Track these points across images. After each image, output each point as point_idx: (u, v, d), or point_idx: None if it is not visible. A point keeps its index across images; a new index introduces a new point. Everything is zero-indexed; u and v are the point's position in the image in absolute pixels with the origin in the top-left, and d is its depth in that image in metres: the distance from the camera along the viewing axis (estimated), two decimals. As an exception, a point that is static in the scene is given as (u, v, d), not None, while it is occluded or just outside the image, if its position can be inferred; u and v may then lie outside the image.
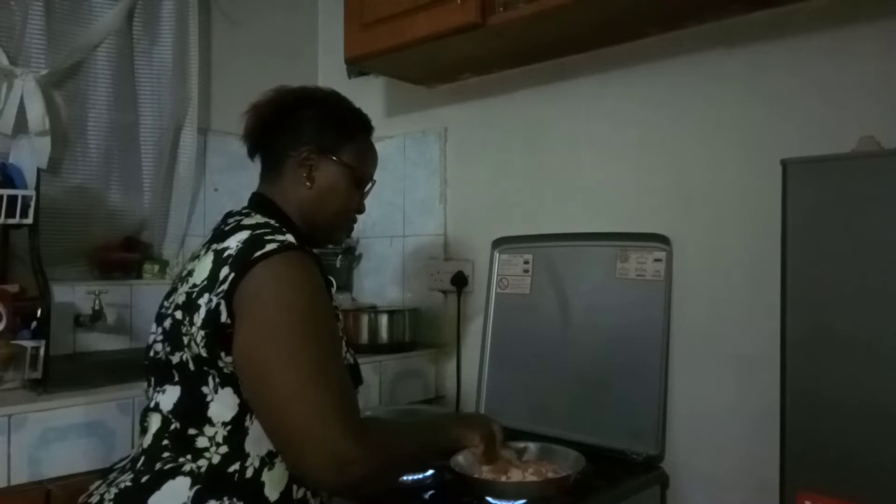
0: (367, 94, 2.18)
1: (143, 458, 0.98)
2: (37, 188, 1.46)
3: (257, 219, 1.03)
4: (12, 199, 1.42)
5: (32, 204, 1.44)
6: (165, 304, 1.04)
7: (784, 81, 1.38)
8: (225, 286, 0.91)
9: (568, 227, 1.69)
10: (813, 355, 0.99)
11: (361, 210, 1.22)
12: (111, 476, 1.01)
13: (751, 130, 1.42)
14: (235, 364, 0.91)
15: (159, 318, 1.04)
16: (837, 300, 0.97)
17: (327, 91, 1.20)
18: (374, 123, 2.35)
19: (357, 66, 1.91)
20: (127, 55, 1.84)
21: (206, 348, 0.92)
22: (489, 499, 1.21)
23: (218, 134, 2.06)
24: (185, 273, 1.02)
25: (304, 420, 0.85)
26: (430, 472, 1.32)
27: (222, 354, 0.92)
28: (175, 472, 0.93)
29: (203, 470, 0.93)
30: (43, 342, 1.35)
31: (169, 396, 0.97)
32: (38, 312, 1.39)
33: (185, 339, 0.95)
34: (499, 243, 1.81)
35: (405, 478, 1.31)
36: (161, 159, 1.91)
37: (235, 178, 2.08)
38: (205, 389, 0.94)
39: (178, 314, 0.97)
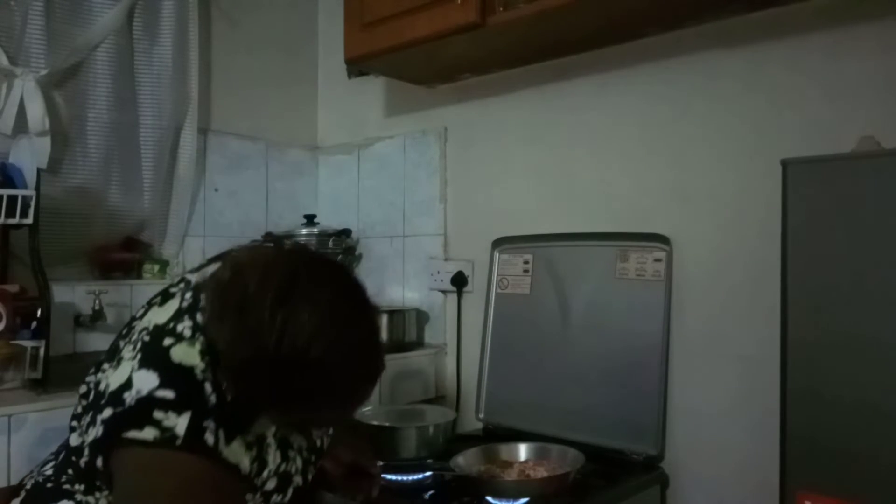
0: (367, 94, 2.19)
1: (56, 461, 0.98)
2: (37, 188, 1.45)
3: (188, 354, 0.86)
4: (12, 199, 1.42)
5: (32, 204, 1.44)
6: (99, 370, 0.93)
7: (784, 81, 1.38)
8: (95, 438, 0.85)
9: (568, 227, 1.69)
10: (813, 355, 0.99)
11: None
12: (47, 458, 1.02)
13: (751, 130, 1.42)
14: None
15: (109, 356, 0.93)
16: (837, 300, 0.97)
17: (333, 352, 0.83)
18: (374, 123, 2.38)
19: (357, 66, 1.91)
20: (127, 55, 1.84)
21: (88, 463, 0.89)
22: (489, 498, 1.21)
23: (218, 134, 2.06)
24: (116, 357, 0.90)
25: None
26: (430, 472, 1.32)
27: (99, 484, 0.90)
28: (69, 496, 0.94)
29: None
30: (43, 342, 1.35)
31: (76, 437, 0.95)
32: (38, 312, 1.39)
33: (79, 429, 0.93)
34: (499, 243, 1.81)
35: (404, 478, 1.32)
36: (161, 159, 1.91)
37: (235, 178, 2.09)
38: (89, 498, 0.93)
39: (92, 390, 0.91)
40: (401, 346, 1.88)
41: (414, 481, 1.31)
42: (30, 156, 1.50)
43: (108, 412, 0.84)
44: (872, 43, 1.28)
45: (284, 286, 0.83)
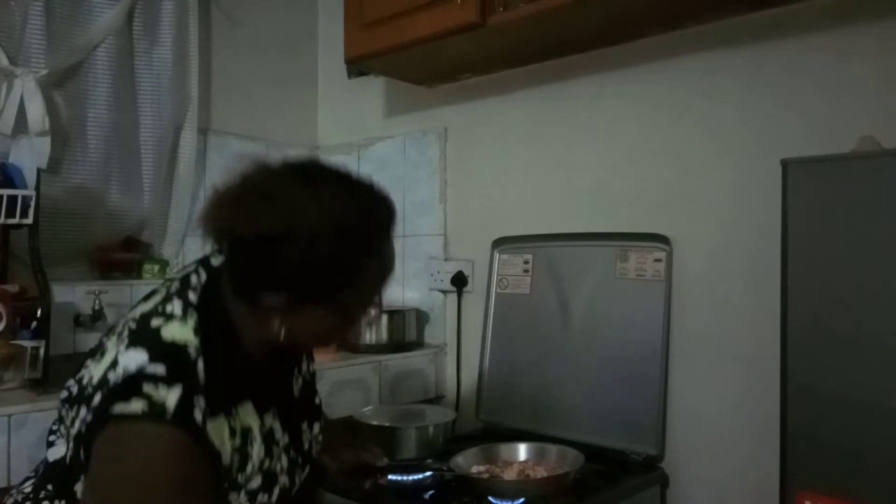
0: (367, 94, 2.19)
1: (35, 477, 0.94)
2: (37, 188, 1.46)
3: (185, 333, 0.84)
4: (12, 199, 1.42)
5: (32, 204, 1.44)
6: (98, 344, 0.91)
7: (784, 81, 1.38)
8: (81, 427, 0.82)
9: (568, 227, 1.69)
10: (813, 355, 0.99)
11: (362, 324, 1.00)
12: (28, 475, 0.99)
13: (751, 130, 1.42)
14: None
15: (91, 353, 0.91)
16: (837, 300, 0.97)
17: (328, 212, 0.85)
18: (374, 123, 2.36)
19: (357, 66, 1.91)
20: (127, 55, 1.84)
21: (73, 458, 0.85)
22: (490, 498, 1.21)
23: (218, 134, 2.06)
24: (105, 342, 0.88)
25: None
26: (430, 472, 1.32)
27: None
28: None
29: None
30: (43, 342, 1.35)
31: (56, 451, 0.91)
32: (38, 312, 1.39)
33: (64, 430, 0.87)
34: (499, 243, 1.81)
35: (404, 478, 1.32)
36: (161, 159, 1.91)
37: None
38: (76, 487, 0.88)
39: (74, 388, 0.88)
40: (401, 346, 1.88)
41: (414, 481, 1.31)
42: (30, 156, 1.50)
43: (97, 398, 0.81)
44: (873, 43, 1.28)
45: (300, 170, 0.90)
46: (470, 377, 1.85)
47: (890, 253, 0.93)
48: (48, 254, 1.56)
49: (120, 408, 0.77)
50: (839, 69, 1.31)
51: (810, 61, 1.35)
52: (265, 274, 0.86)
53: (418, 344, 1.97)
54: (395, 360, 1.84)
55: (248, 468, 0.89)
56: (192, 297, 0.89)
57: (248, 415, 0.90)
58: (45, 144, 1.64)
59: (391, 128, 2.14)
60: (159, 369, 0.80)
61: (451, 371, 1.94)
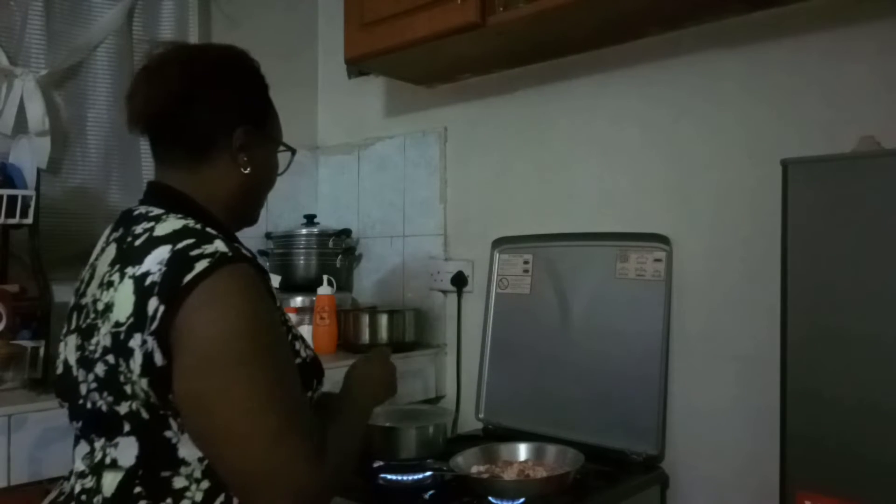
0: (367, 94, 2.19)
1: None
2: (37, 188, 1.46)
3: (173, 223, 0.86)
4: (12, 199, 1.42)
5: (32, 204, 1.45)
6: (88, 346, 0.86)
7: (784, 81, 1.38)
8: (156, 324, 0.78)
9: (568, 227, 1.69)
10: (813, 355, 0.99)
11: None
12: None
13: (751, 130, 1.42)
14: (178, 405, 0.81)
15: (85, 363, 0.86)
16: (837, 300, 0.97)
17: (231, 47, 1.01)
18: (374, 123, 2.37)
19: (357, 66, 1.91)
20: (127, 55, 1.84)
21: (155, 395, 0.81)
22: (490, 498, 1.21)
23: (218, 134, 2.06)
24: (100, 307, 0.86)
25: (261, 460, 0.78)
26: (430, 472, 1.32)
27: (170, 397, 0.82)
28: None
29: None
30: (43, 342, 1.36)
31: (127, 450, 0.84)
32: (38, 312, 1.40)
33: (128, 389, 0.81)
34: (499, 243, 1.81)
35: (405, 478, 1.32)
36: (161, 159, 1.91)
37: (235, 178, 2.08)
38: (168, 433, 0.83)
39: (111, 358, 0.82)
40: (401, 346, 1.87)
41: (414, 481, 1.31)
42: (30, 156, 1.50)
43: (153, 301, 0.79)
44: (872, 43, 1.28)
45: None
46: (470, 377, 1.85)
47: (890, 253, 0.93)
48: (48, 254, 1.56)
49: (188, 277, 0.78)
50: (839, 69, 1.31)
51: (810, 61, 1.35)
52: (220, 110, 0.94)
53: (418, 344, 1.96)
54: (395, 360, 1.82)
55: (292, 323, 0.96)
56: (153, 213, 0.90)
57: None
58: (45, 144, 1.64)
59: (391, 128, 2.14)
60: (188, 241, 0.82)
61: (451, 371, 1.94)
